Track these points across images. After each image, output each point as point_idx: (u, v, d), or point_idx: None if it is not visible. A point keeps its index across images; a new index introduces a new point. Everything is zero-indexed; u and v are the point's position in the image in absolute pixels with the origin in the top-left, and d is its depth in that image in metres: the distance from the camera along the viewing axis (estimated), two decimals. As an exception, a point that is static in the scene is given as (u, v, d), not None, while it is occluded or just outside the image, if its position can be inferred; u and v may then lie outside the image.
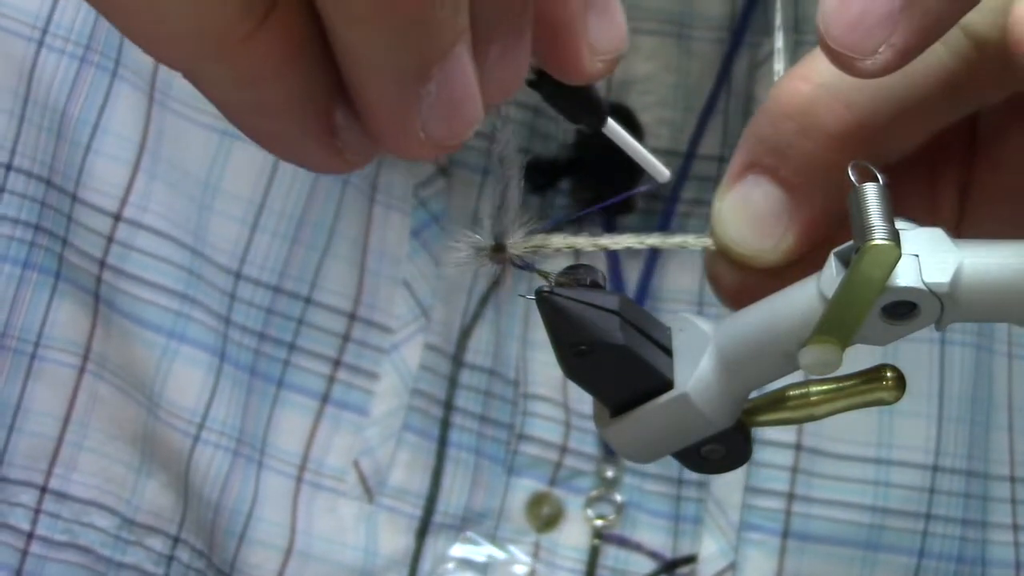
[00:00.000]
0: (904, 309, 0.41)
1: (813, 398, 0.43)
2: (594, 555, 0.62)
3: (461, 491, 0.63)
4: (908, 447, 0.62)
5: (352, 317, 0.62)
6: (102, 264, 0.62)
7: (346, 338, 0.62)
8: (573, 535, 0.63)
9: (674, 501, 0.63)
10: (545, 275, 0.43)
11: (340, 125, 0.35)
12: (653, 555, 0.62)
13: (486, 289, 0.64)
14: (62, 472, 0.63)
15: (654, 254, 0.65)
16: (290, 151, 0.35)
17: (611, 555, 0.63)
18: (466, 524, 0.62)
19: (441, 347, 0.63)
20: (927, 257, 0.41)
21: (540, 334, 0.63)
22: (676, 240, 0.45)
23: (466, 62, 0.34)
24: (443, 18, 0.32)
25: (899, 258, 0.40)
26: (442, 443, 0.63)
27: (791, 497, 0.61)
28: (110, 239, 0.62)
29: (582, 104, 0.43)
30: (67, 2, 0.64)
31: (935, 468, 0.62)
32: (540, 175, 0.64)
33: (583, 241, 0.44)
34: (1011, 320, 0.42)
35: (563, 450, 0.63)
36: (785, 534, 0.61)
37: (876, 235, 0.40)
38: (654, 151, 0.64)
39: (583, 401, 0.63)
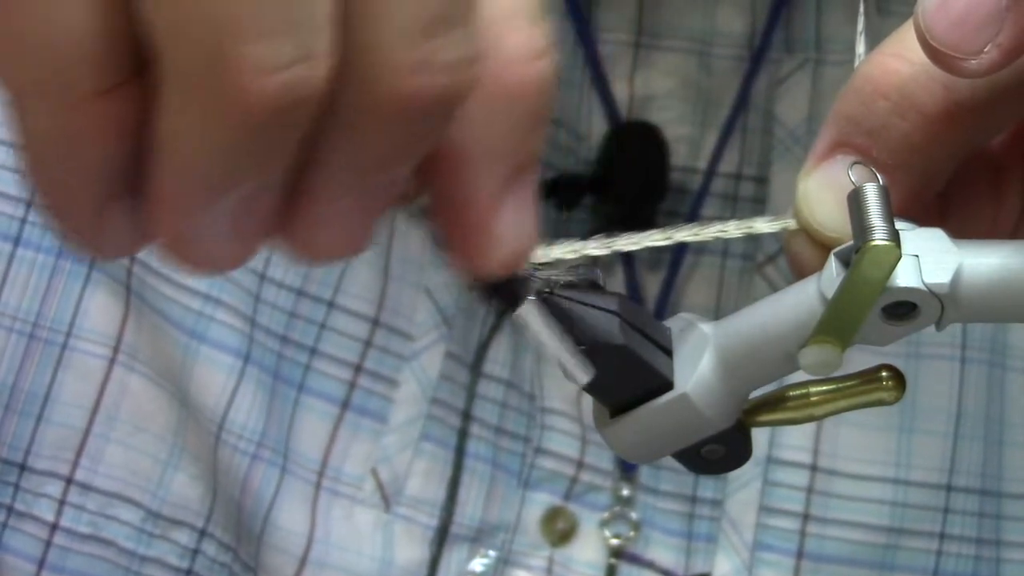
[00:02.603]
0: (904, 309, 0.41)
1: (813, 398, 0.43)
2: (610, 573, 0.62)
3: (477, 503, 0.62)
4: (924, 467, 0.62)
5: (375, 322, 0.62)
6: (132, 257, 0.62)
7: (368, 343, 0.62)
8: (587, 551, 0.63)
9: (687, 519, 0.63)
10: (544, 276, 0.43)
11: (116, 216, 0.34)
12: (666, 573, 0.62)
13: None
14: (88, 464, 0.62)
15: (673, 270, 0.64)
16: (56, 211, 0.34)
17: (624, 572, 0.63)
18: (481, 536, 0.62)
19: (461, 356, 0.63)
20: (927, 257, 0.41)
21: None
22: (751, 224, 0.44)
23: (265, 203, 0.33)
24: (257, 152, 0.31)
25: (899, 258, 0.40)
26: (459, 453, 0.62)
27: (806, 518, 0.61)
28: None
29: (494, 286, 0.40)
30: None
31: (949, 487, 0.62)
32: (565, 192, 0.64)
33: (591, 246, 0.43)
34: (1011, 320, 0.42)
35: (579, 465, 0.63)
36: (800, 554, 0.61)
37: (876, 235, 0.40)
38: (672, 168, 0.64)
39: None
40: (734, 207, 0.65)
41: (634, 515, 0.63)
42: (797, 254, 0.44)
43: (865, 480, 0.62)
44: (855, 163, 0.42)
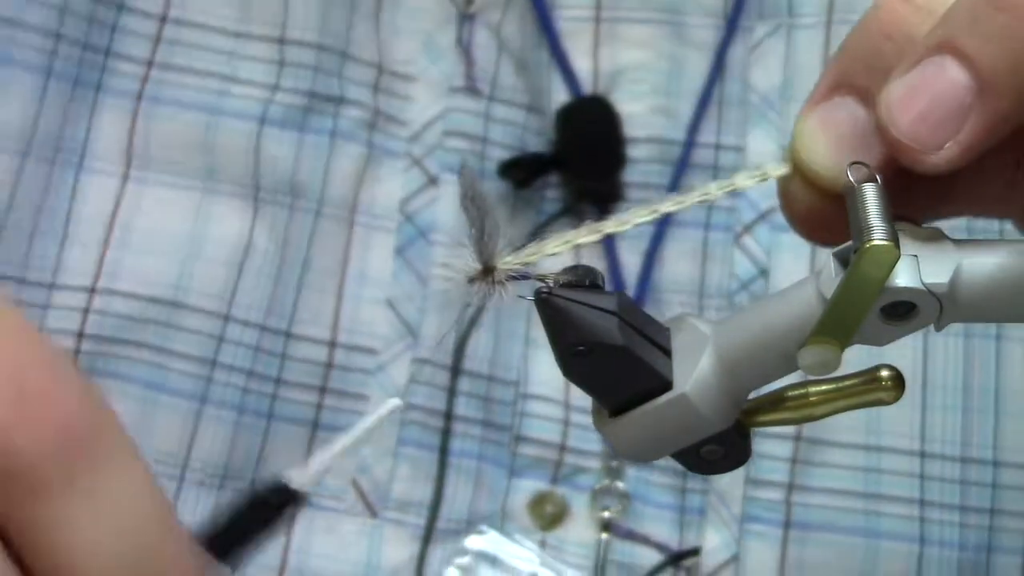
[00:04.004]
0: (903, 309, 0.41)
1: (812, 398, 0.43)
2: (602, 548, 0.62)
3: (464, 497, 0.63)
4: (894, 433, 0.62)
5: (332, 344, 0.63)
6: (80, 336, 0.62)
7: (329, 365, 0.63)
8: (579, 531, 0.63)
9: (679, 493, 0.63)
10: (543, 277, 0.43)
11: None
12: (660, 547, 0.62)
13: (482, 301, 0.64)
14: None
15: (655, 245, 0.64)
16: None
17: (618, 548, 0.63)
18: (471, 528, 0.63)
19: (436, 360, 0.63)
20: (926, 257, 0.41)
21: (542, 332, 0.63)
22: (732, 182, 0.44)
23: None
24: None
25: (898, 258, 0.40)
26: (443, 452, 0.63)
27: (791, 488, 0.61)
28: (86, 311, 0.63)
29: None
30: None
31: (922, 454, 0.62)
32: (522, 171, 0.64)
33: (583, 233, 0.43)
34: (1011, 320, 0.42)
35: (562, 449, 0.63)
36: (787, 524, 0.61)
37: (875, 235, 0.40)
38: (647, 140, 0.64)
39: (585, 398, 0.63)
40: (715, 176, 0.64)
41: (621, 485, 0.63)
42: (791, 197, 0.44)
43: (843, 447, 0.62)
44: (854, 163, 0.42)
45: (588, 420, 0.63)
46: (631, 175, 0.65)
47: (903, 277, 0.40)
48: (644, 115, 0.65)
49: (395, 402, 0.45)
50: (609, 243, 0.64)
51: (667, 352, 0.43)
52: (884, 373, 0.43)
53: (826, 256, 0.42)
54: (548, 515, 0.63)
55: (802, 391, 0.44)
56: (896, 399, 0.43)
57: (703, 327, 0.43)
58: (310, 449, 0.62)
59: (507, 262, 0.42)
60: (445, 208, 0.64)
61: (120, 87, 0.64)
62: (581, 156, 0.64)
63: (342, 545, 0.62)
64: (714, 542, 0.62)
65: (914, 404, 0.62)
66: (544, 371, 0.64)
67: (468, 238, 0.42)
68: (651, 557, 0.62)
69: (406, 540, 0.62)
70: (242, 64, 0.64)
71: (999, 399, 0.62)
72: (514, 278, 0.43)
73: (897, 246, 0.40)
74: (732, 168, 0.64)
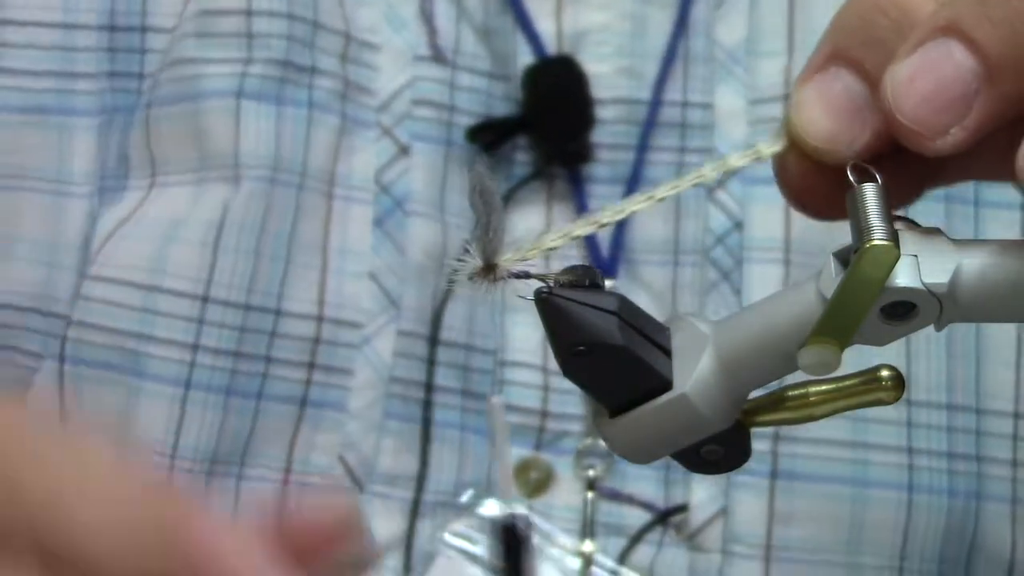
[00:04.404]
0: (903, 309, 0.41)
1: (812, 398, 0.44)
2: (589, 507, 0.63)
3: (450, 467, 0.63)
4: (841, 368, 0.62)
5: (319, 319, 0.63)
6: (68, 323, 0.63)
7: (316, 341, 0.63)
8: (565, 495, 0.63)
9: None
10: (544, 276, 0.43)
11: None
12: (646, 506, 0.63)
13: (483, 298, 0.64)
14: None
15: (629, 189, 0.64)
16: None
17: (604, 509, 0.63)
18: (456, 499, 0.63)
19: (415, 331, 0.63)
20: (926, 257, 0.41)
21: (518, 300, 0.63)
22: (725, 163, 0.44)
23: None
24: None
25: (898, 258, 0.40)
26: (426, 424, 0.63)
27: (777, 438, 0.61)
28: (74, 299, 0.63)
29: None
30: None
31: (909, 402, 0.62)
32: (490, 134, 0.64)
33: (582, 226, 0.43)
34: (1011, 320, 0.42)
35: (544, 415, 0.63)
36: (774, 475, 0.61)
37: (875, 235, 0.40)
38: (615, 101, 0.65)
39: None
40: (683, 134, 0.65)
41: (604, 444, 0.63)
42: (786, 170, 0.44)
43: None
44: (854, 163, 0.42)
45: (568, 384, 0.63)
46: (600, 136, 0.65)
47: (903, 277, 0.40)
48: (610, 76, 0.65)
49: (498, 399, 0.45)
50: (581, 204, 0.65)
51: (667, 352, 0.43)
52: (884, 373, 0.43)
53: (827, 256, 0.42)
54: (533, 481, 0.63)
55: (802, 391, 0.44)
56: (896, 399, 0.43)
57: (703, 327, 0.43)
58: (298, 428, 0.62)
59: (509, 259, 0.42)
60: (418, 177, 0.64)
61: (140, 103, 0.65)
62: (548, 117, 0.64)
63: None
64: (701, 497, 0.62)
65: (899, 352, 0.62)
66: (521, 337, 0.64)
67: (472, 234, 0.42)
68: (639, 517, 0.63)
69: (394, 513, 0.62)
70: (211, 42, 0.64)
71: (980, 345, 0.62)
72: (516, 276, 0.43)
73: (897, 246, 0.40)
74: (700, 125, 0.65)
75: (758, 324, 0.42)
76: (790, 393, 0.44)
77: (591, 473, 0.63)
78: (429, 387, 0.63)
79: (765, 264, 0.62)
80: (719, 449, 0.44)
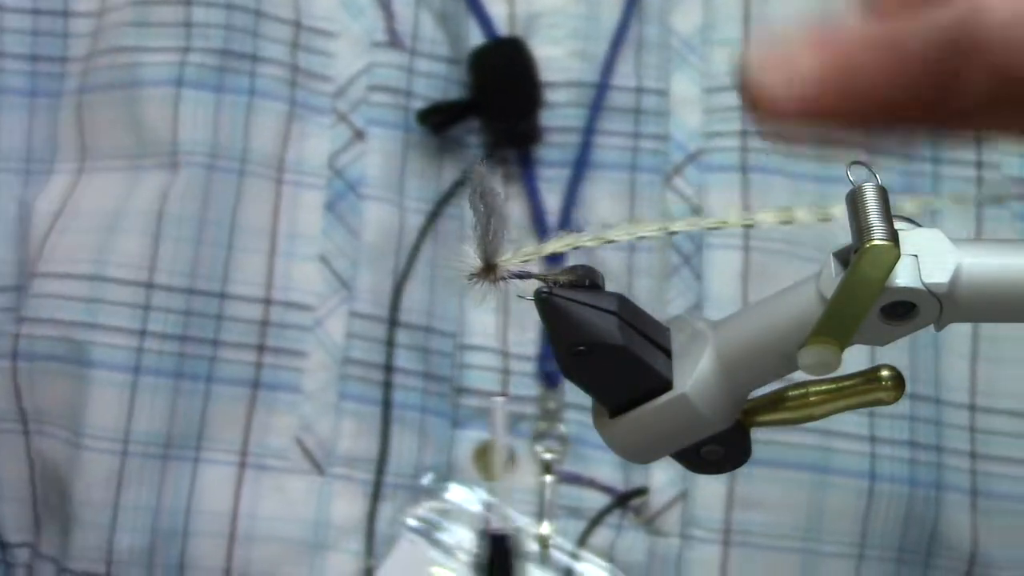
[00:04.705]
0: (903, 309, 0.41)
1: (812, 398, 0.44)
2: (546, 490, 0.63)
3: (410, 449, 0.63)
4: (843, 371, 0.62)
5: (267, 302, 0.63)
6: (20, 321, 0.63)
7: (265, 323, 0.63)
8: (526, 478, 0.63)
9: None
10: (544, 277, 0.43)
11: None
12: (606, 489, 0.63)
13: (415, 245, 0.64)
14: (47, 536, 0.64)
15: (573, 188, 0.65)
16: None
17: (564, 493, 0.63)
18: (417, 482, 0.63)
19: (372, 313, 0.64)
20: (926, 257, 0.41)
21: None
22: (751, 217, 0.44)
23: None
24: None
25: (898, 258, 0.40)
26: (386, 405, 0.63)
27: None
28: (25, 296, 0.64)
29: None
30: None
31: None
32: (438, 116, 0.65)
33: (584, 236, 0.43)
34: (1011, 320, 0.42)
35: (503, 397, 0.64)
36: None
37: (875, 235, 0.40)
38: (567, 84, 0.65)
39: (522, 344, 0.64)
40: (638, 119, 0.65)
41: (563, 428, 0.63)
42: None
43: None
44: (854, 163, 0.42)
45: (527, 368, 0.64)
46: (552, 119, 0.65)
47: (903, 277, 0.40)
48: (563, 59, 0.66)
49: (500, 400, 0.45)
50: (531, 186, 0.65)
51: (667, 352, 0.43)
52: (884, 373, 0.43)
53: (827, 256, 0.42)
54: (492, 464, 0.63)
55: (802, 391, 0.44)
56: (896, 399, 0.43)
57: (703, 327, 0.43)
58: (253, 410, 0.62)
59: (508, 260, 0.42)
60: (373, 161, 0.65)
61: (67, 87, 0.66)
62: (495, 98, 0.65)
63: (291, 504, 0.62)
64: (660, 481, 0.62)
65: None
66: (481, 321, 0.64)
67: (472, 234, 0.42)
68: (598, 500, 0.63)
69: (356, 496, 0.63)
70: (149, 31, 0.65)
71: (938, 336, 0.62)
72: (516, 276, 0.43)
73: (897, 246, 0.40)
74: (655, 112, 0.65)
75: (758, 324, 0.42)
76: (790, 393, 0.44)
77: (547, 456, 0.63)
78: (388, 369, 0.63)
79: (725, 250, 0.63)
80: (719, 449, 0.44)
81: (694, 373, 0.43)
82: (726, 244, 0.63)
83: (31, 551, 0.64)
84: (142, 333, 0.62)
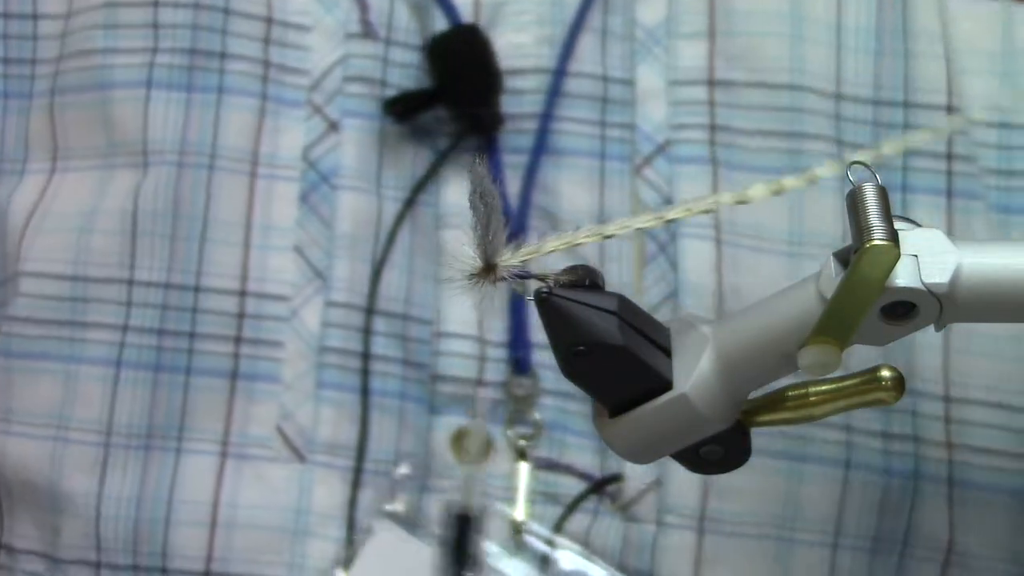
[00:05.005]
0: (903, 309, 0.41)
1: (812, 398, 0.44)
2: (521, 476, 0.63)
3: (389, 436, 0.64)
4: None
5: (242, 294, 0.64)
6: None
7: (241, 314, 0.64)
8: (503, 464, 0.64)
9: None
10: (544, 276, 0.43)
11: None
12: (582, 476, 0.63)
13: (391, 232, 0.64)
14: (9, 529, 0.64)
15: (532, 168, 0.65)
16: None
17: (542, 478, 0.63)
18: (395, 470, 0.63)
19: (349, 301, 0.64)
20: (926, 257, 0.41)
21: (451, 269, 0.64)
22: (744, 194, 0.44)
23: None
24: None
25: (898, 258, 0.40)
26: (365, 392, 0.64)
27: None
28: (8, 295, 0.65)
29: None
30: None
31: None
32: (403, 105, 0.65)
33: (582, 234, 0.43)
34: (1011, 320, 0.42)
35: (479, 384, 0.64)
36: None
37: (875, 235, 0.40)
38: (535, 71, 0.65)
39: (498, 331, 0.64)
40: (604, 108, 0.65)
41: (537, 415, 0.64)
42: None
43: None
44: (854, 163, 0.42)
45: (504, 354, 0.64)
46: (518, 106, 0.66)
47: (903, 277, 0.40)
48: (529, 46, 0.66)
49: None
50: (495, 172, 0.65)
51: (667, 352, 0.44)
52: (884, 373, 0.43)
53: (827, 258, 0.42)
54: (469, 449, 0.64)
55: (802, 391, 0.44)
56: (896, 399, 0.43)
57: (703, 327, 0.44)
58: (232, 401, 0.63)
59: (508, 260, 0.42)
60: (348, 152, 0.65)
61: (38, 88, 0.67)
62: (454, 85, 0.65)
63: (272, 492, 0.63)
64: (636, 468, 0.62)
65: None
66: (457, 308, 0.64)
67: (472, 234, 0.42)
68: (575, 486, 0.63)
69: (336, 483, 0.63)
70: (118, 32, 0.66)
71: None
72: (517, 276, 0.43)
73: (897, 246, 0.40)
74: (621, 101, 0.65)
75: (758, 324, 0.42)
76: (790, 393, 0.44)
77: (521, 443, 0.63)
78: (367, 356, 0.63)
79: (698, 240, 0.63)
80: (719, 449, 0.44)
81: (694, 373, 0.43)
82: (699, 235, 0.63)
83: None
84: (124, 328, 0.63)
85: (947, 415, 0.62)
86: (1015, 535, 0.62)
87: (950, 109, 0.64)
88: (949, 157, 0.64)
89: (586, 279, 0.43)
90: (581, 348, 0.42)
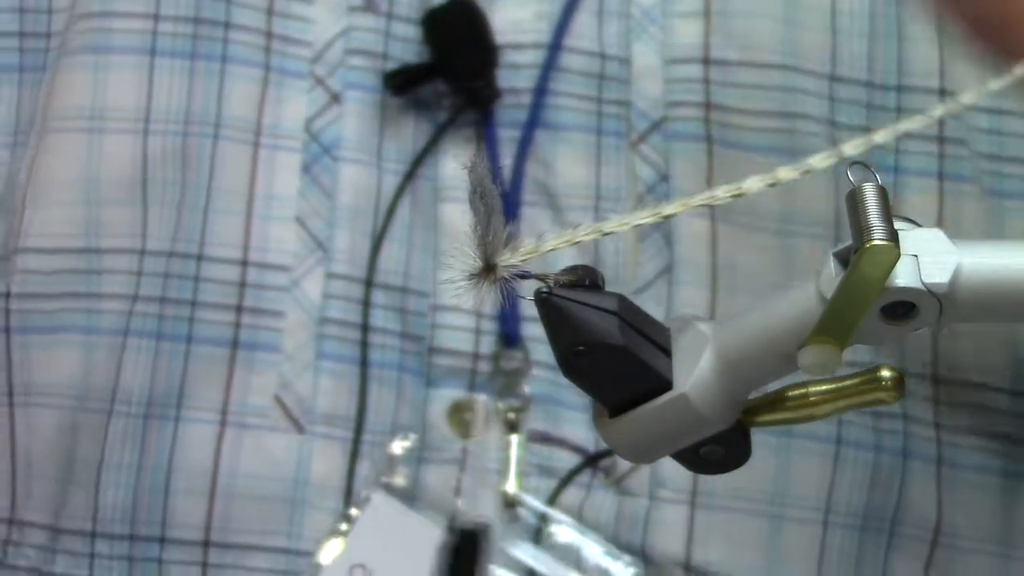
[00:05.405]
0: (903, 309, 0.41)
1: (812, 398, 0.44)
2: (512, 449, 0.63)
3: (387, 408, 0.64)
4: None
5: (244, 263, 0.64)
6: (7, 296, 0.64)
7: (242, 284, 0.64)
8: (499, 437, 0.64)
9: None
10: (544, 276, 0.43)
11: None
12: (576, 449, 0.63)
13: (390, 205, 0.64)
14: (22, 503, 0.64)
15: (524, 142, 0.65)
16: None
17: (537, 451, 0.63)
18: (394, 440, 0.63)
19: (349, 273, 0.64)
20: (926, 257, 0.41)
21: (450, 244, 0.64)
22: (739, 186, 0.44)
23: None
24: None
25: (898, 258, 0.40)
26: (364, 364, 0.64)
27: None
28: (9, 272, 0.64)
29: None
30: None
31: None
32: (401, 78, 0.65)
33: (582, 232, 0.43)
34: (1011, 320, 0.42)
35: (475, 357, 0.64)
36: None
37: (875, 235, 0.40)
38: (534, 46, 0.65)
39: (496, 308, 0.64)
40: (601, 85, 0.66)
41: (527, 389, 0.64)
42: None
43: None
44: (854, 163, 0.42)
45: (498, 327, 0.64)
46: (515, 80, 0.66)
47: (903, 277, 0.40)
48: (529, 20, 0.66)
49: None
50: (491, 146, 0.65)
51: (667, 352, 0.44)
52: (884, 373, 0.43)
53: (826, 257, 0.42)
54: (466, 422, 0.64)
55: (802, 391, 0.44)
56: (897, 399, 0.43)
57: (703, 327, 0.44)
58: (232, 369, 0.63)
59: (506, 259, 0.42)
60: (350, 124, 0.66)
61: (50, 61, 0.67)
62: (450, 59, 0.65)
63: (271, 462, 0.63)
64: None
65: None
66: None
67: (472, 234, 0.42)
68: (570, 460, 0.63)
69: (335, 453, 0.63)
70: None
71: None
72: (517, 276, 0.43)
73: (897, 246, 0.40)
74: (617, 78, 0.65)
75: (758, 324, 0.42)
76: (790, 393, 0.44)
77: (511, 415, 0.63)
78: (366, 328, 0.64)
79: (692, 217, 0.63)
80: (719, 449, 0.44)
81: (694, 373, 0.43)
82: (693, 212, 0.63)
83: (8, 526, 0.65)
84: (133, 298, 0.63)
85: (936, 396, 0.62)
86: (1003, 516, 0.62)
87: (943, 93, 0.64)
88: (941, 140, 0.64)
89: (586, 279, 0.43)
90: (581, 348, 0.42)
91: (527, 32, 0.66)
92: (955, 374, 0.62)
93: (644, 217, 0.43)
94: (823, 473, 0.62)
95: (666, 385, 0.43)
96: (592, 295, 0.43)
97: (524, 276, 0.43)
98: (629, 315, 0.43)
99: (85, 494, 0.63)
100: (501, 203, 0.42)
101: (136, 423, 0.63)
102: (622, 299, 0.43)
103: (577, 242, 0.43)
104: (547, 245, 0.43)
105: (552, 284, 0.43)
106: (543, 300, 0.42)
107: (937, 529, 0.62)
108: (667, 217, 0.43)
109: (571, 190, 0.65)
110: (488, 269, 0.43)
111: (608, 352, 0.42)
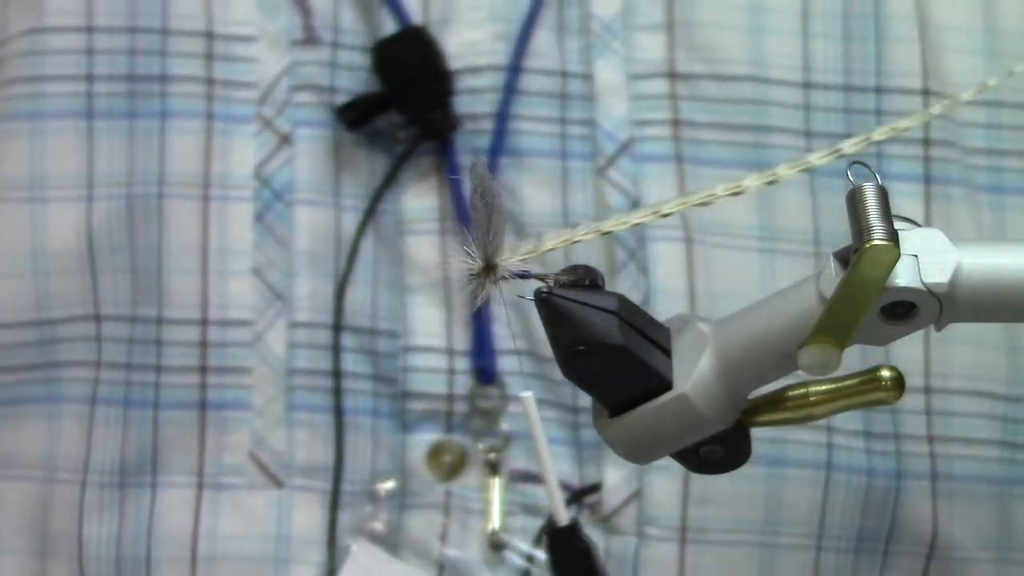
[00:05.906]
0: (903, 309, 0.41)
1: (812, 398, 0.44)
2: (493, 491, 0.62)
3: (365, 455, 0.63)
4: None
5: (204, 322, 0.63)
6: None
7: (203, 344, 0.63)
8: (479, 477, 0.63)
9: (573, 428, 0.63)
10: (544, 276, 0.43)
11: None
12: (560, 486, 0.63)
13: (352, 245, 0.64)
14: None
15: (491, 169, 0.63)
16: None
17: (520, 490, 0.63)
18: (373, 488, 0.63)
19: (312, 320, 0.63)
20: (926, 257, 0.41)
21: (419, 279, 0.63)
22: (738, 185, 0.44)
23: None
24: None
25: (898, 258, 0.40)
26: (338, 412, 0.63)
27: None
28: None
29: None
30: None
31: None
32: (354, 112, 0.64)
33: (581, 232, 0.43)
34: (1011, 320, 0.42)
35: (450, 398, 0.63)
36: None
37: (875, 235, 0.40)
38: (491, 68, 0.64)
39: (466, 341, 0.63)
40: (564, 105, 0.64)
41: (505, 426, 0.63)
42: None
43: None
44: (854, 163, 0.42)
45: (472, 365, 0.63)
46: (475, 105, 0.64)
47: (903, 277, 0.40)
48: (484, 42, 0.64)
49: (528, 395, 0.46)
50: (452, 176, 0.64)
51: (667, 352, 0.43)
52: (884, 373, 0.43)
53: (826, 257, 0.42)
54: (447, 465, 0.63)
55: (802, 391, 0.44)
56: (896, 399, 0.43)
57: (703, 327, 0.43)
58: (204, 431, 0.62)
59: (506, 259, 0.42)
60: (302, 165, 0.64)
61: None
62: (401, 89, 0.63)
63: (250, 520, 0.62)
64: (615, 479, 0.61)
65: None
66: (423, 319, 0.63)
67: (472, 234, 0.42)
68: None
69: (315, 506, 0.62)
70: (48, 59, 0.64)
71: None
72: (517, 276, 0.43)
73: (897, 246, 0.40)
74: (581, 96, 0.64)
75: (758, 324, 0.42)
76: (790, 393, 0.44)
77: (491, 456, 0.63)
78: (337, 374, 0.63)
79: (667, 243, 0.62)
80: (719, 449, 0.44)
81: (694, 373, 0.43)
82: (668, 237, 0.62)
83: None
84: (97, 364, 0.63)
85: (928, 407, 0.62)
86: (998, 523, 0.62)
87: (927, 93, 0.63)
88: (926, 142, 0.63)
89: (586, 279, 0.43)
90: (581, 348, 0.42)
91: (484, 54, 0.64)
92: (948, 383, 0.62)
93: (644, 216, 0.43)
94: (814, 499, 0.61)
95: (666, 385, 0.43)
96: (592, 295, 0.43)
97: (524, 276, 0.43)
98: (629, 315, 0.43)
99: (68, 568, 0.63)
100: (501, 203, 0.42)
101: (112, 492, 0.62)
102: (622, 299, 0.43)
103: (576, 241, 0.43)
104: (547, 245, 0.43)
105: (552, 284, 0.43)
106: (543, 300, 0.42)
107: (933, 543, 0.61)
108: (666, 215, 0.43)
109: (538, 219, 0.63)
110: (488, 269, 0.43)
111: (608, 352, 0.42)
